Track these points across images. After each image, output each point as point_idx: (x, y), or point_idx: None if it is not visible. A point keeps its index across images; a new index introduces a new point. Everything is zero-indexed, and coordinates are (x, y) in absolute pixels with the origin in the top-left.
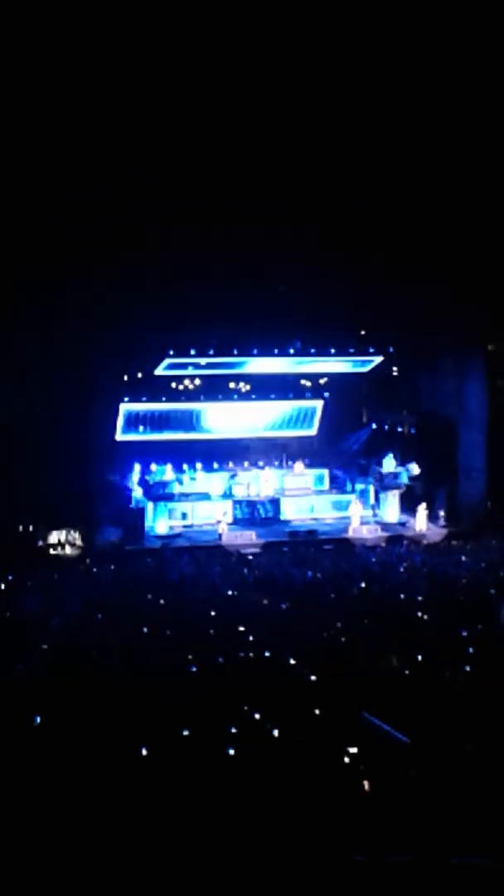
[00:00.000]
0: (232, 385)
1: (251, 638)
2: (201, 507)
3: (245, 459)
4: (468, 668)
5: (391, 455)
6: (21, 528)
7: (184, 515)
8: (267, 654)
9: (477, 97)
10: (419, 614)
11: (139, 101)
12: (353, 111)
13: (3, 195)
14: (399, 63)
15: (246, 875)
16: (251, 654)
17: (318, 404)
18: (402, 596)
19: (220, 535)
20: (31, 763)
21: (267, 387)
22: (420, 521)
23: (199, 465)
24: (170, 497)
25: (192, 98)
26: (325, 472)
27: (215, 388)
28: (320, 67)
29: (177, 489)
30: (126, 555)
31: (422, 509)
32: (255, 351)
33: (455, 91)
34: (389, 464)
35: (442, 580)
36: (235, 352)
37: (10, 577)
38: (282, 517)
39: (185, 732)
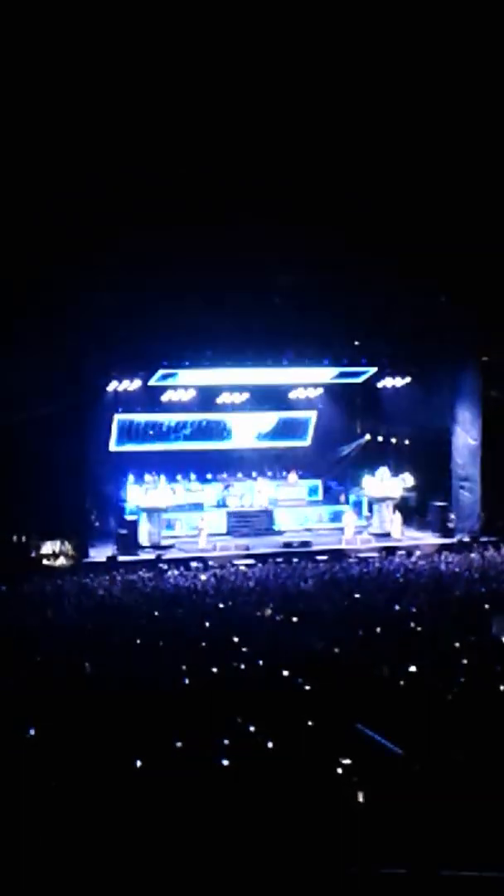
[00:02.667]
0: (226, 396)
1: (245, 649)
2: (195, 517)
3: (239, 470)
4: (462, 680)
5: (384, 466)
6: (14, 538)
7: (177, 526)
8: (260, 664)
9: (473, 106)
10: (412, 625)
11: (139, 104)
12: (350, 120)
13: None
14: (396, 68)
15: (240, 887)
16: (245, 666)
17: (312, 415)
18: (396, 607)
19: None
20: (25, 775)
21: (260, 398)
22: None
23: (192, 476)
24: (163, 508)
25: (190, 104)
26: (319, 482)
27: (210, 399)
28: (317, 73)
29: (171, 500)
30: (119, 566)
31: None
32: (249, 362)
33: (452, 100)
34: (383, 474)
35: (435, 591)
36: (229, 362)
37: (2, 588)
38: (275, 528)
39: (179, 744)
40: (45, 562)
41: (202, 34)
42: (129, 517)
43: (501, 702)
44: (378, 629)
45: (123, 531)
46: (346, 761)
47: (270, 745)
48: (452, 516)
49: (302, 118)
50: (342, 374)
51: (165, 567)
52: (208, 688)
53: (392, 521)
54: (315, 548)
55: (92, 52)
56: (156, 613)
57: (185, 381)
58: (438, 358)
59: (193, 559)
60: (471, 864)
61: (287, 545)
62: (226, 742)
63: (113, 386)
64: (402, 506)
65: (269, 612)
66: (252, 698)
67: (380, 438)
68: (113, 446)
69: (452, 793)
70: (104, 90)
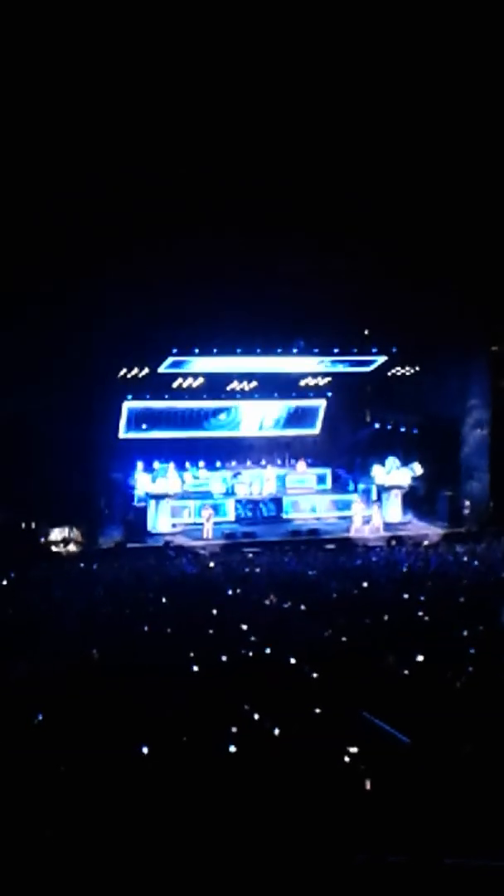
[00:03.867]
0: (235, 384)
1: (252, 637)
2: (203, 505)
3: (248, 458)
4: (470, 669)
5: (393, 455)
6: (23, 524)
7: (186, 514)
8: (267, 652)
9: (485, 94)
10: (420, 614)
11: (145, 100)
12: (359, 107)
13: (6, 193)
14: (406, 59)
15: (246, 875)
16: (252, 653)
17: (321, 404)
18: (404, 596)
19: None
20: (34, 760)
21: (270, 386)
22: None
23: (201, 464)
24: (172, 495)
25: (197, 95)
26: (328, 471)
27: (218, 387)
28: (324, 64)
29: (179, 487)
30: (128, 553)
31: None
32: (259, 350)
33: (461, 88)
34: (392, 464)
35: (443, 581)
36: (239, 350)
37: (11, 574)
38: (284, 516)
39: (186, 731)
40: (53, 548)
41: (203, 34)
42: (137, 504)
43: None
44: (386, 617)
45: (132, 518)
46: (353, 750)
47: (277, 732)
48: (468, 503)
49: (314, 105)
50: (352, 363)
51: (173, 554)
52: (215, 675)
53: (401, 510)
54: (323, 536)
55: (92, 54)
56: (163, 600)
57: (195, 369)
58: (448, 347)
59: (201, 547)
60: (477, 854)
61: (295, 533)
62: (232, 729)
63: (122, 373)
64: (411, 495)
65: (276, 599)
66: (259, 686)
67: (389, 427)
68: (122, 433)
69: (459, 782)
70: (107, 91)
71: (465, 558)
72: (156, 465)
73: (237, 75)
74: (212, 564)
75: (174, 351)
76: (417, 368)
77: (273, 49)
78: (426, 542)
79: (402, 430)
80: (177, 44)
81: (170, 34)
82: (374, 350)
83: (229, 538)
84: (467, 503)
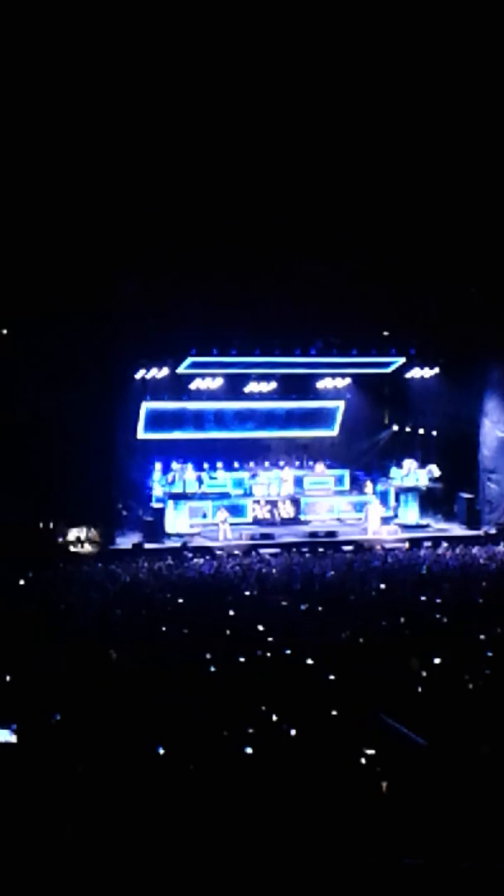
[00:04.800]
0: (254, 385)
1: (269, 638)
2: (220, 506)
3: (266, 459)
4: (487, 672)
5: (411, 456)
6: (41, 524)
7: (203, 515)
8: (286, 653)
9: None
10: (438, 616)
11: (159, 96)
12: (377, 106)
13: (28, 196)
14: (417, 59)
15: (261, 875)
16: (269, 654)
17: (340, 405)
18: (421, 598)
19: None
20: (51, 760)
21: (288, 387)
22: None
23: (219, 465)
24: (190, 496)
25: (219, 88)
26: (346, 472)
27: (237, 388)
28: (342, 58)
29: (197, 488)
30: (145, 553)
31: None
32: (278, 351)
33: (476, 86)
34: (409, 465)
35: (461, 583)
36: (258, 351)
37: (29, 574)
38: (301, 518)
39: (202, 731)
40: (71, 548)
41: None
42: (155, 505)
43: None
44: (403, 620)
45: (150, 519)
46: (370, 752)
47: (293, 733)
48: (479, 508)
49: (335, 104)
50: (370, 364)
51: (190, 555)
52: (232, 676)
53: (418, 512)
54: (341, 538)
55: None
56: (180, 601)
57: (213, 370)
58: (467, 349)
59: (218, 548)
60: (493, 857)
61: (313, 535)
62: (249, 730)
63: (141, 374)
64: (429, 497)
65: (293, 601)
66: (276, 687)
67: (407, 429)
68: (141, 434)
69: (476, 784)
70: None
71: (483, 560)
72: (174, 465)
73: (259, 70)
74: (229, 565)
75: (192, 351)
76: (436, 370)
77: (285, 48)
78: (443, 544)
79: (421, 431)
80: (179, 44)
81: (168, 34)
82: (392, 351)
83: (247, 539)
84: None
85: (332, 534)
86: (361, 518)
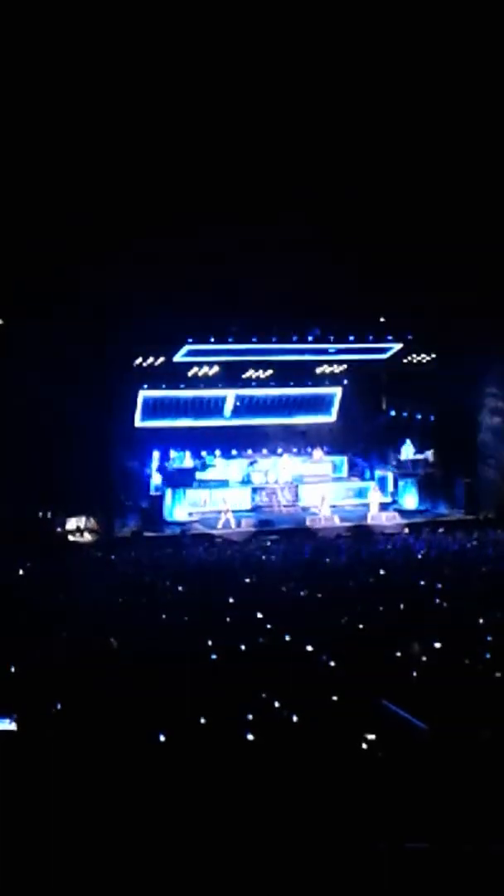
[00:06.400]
0: (251, 372)
1: (269, 625)
2: (220, 494)
3: (264, 446)
4: (487, 656)
5: (409, 442)
6: (40, 514)
7: (202, 502)
8: (286, 639)
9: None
10: (437, 601)
11: (153, 86)
12: (374, 93)
13: (21, 183)
14: (416, 45)
15: (264, 861)
16: (269, 641)
17: (337, 391)
18: (421, 583)
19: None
20: (52, 749)
21: (286, 374)
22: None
23: (217, 452)
24: (188, 484)
25: (207, 77)
26: (345, 459)
27: (234, 375)
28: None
29: (196, 476)
30: (144, 541)
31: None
32: (274, 338)
33: (478, 71)
34: (408, 451)
35: (460, 568)
36: (254, 339)
37: (28, 564)
38: (300, 504)
39: (203, 719)
40: (70, 537)
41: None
42: (153, 493)
43: None
44: (403, 605)
45: (148, 507)
46: (371, 736)
47: (295, 719)
48: (477, 493)
49: (329, 90)
50: (367, 351)
51: (189, 542)
52: (233, 663)
53: (417, 498)
54: (340, 524)
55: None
56: (180, 589)
57: (210, 358)
58: (464, 334)
59: (218, 535)
60: (495, 840)
61: (311, 521)
62: (250, 717)
63: (138, 362)
64: (427, 482)
65: (293, 587)
66: (277, 673)
67: (405, 415)
68: (138, 422)
69: (477, 768)
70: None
71: (482, 545)
72: (172, 453)
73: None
74: (228, 552)
75: (190, 339)
76: (433, 356)
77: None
78: (441, 530)
79: (419, 417)
80: (175, 29)
81: (166, 21)
82: (389, 337)
83: (246, 527)
84: None
85: (331, 520)
86: (360, 504)
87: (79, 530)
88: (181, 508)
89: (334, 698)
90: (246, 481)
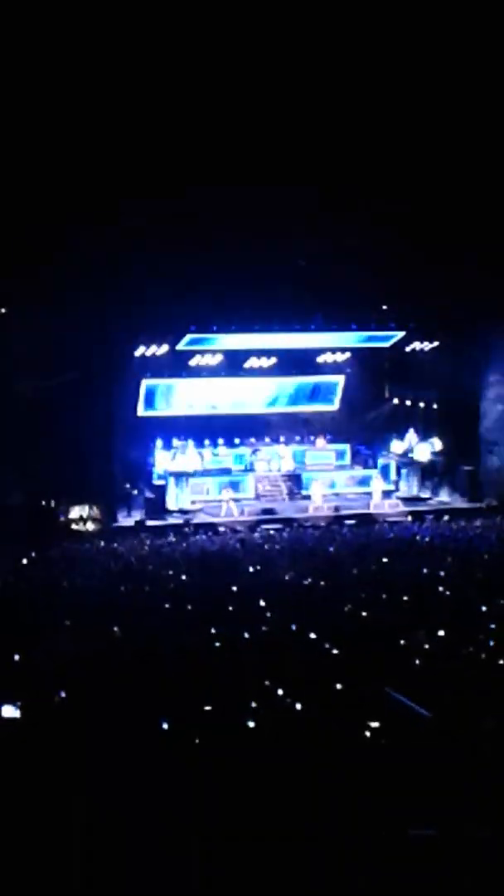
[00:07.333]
0: (254, 360)
1: (273, 613)
2: (222, 482)
3: (266, 435)
4: (491, 643)
5: (412, 430)
6: (43, 502)
7: (205, 491)
8: (292, 628)
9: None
10: (441, 589)
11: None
12: (376, 78)
13: (24, 172)
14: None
15: (266, 848)
16: (272, 629)
17: (340, 379)
18: (424, 570)
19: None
20: (55, 736)
21: (289, 362)
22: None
23: (220, 441)
24: (192, 472)
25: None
26: (347, 447)
27: (236, 364)
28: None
29: (199, 465)
30: (147, 530)
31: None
32: (277, 327)
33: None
34: (411, 439)
35: (463, 555)
36: (257, 327)
37: (32, 553)
38: (303, 493)
39: (207, 707)
40: (73, 526)
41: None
42: (157, 482)
43: None
44: (405, 593)
45: (151, 496)
46: (374, 724)
47: (298, 707)
48: (481, 480)
49: (335, 74)
50: (370, 339)
51: (192, 531)
52: (236, 651)
53: (420, 486)
54: (342, 512)
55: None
56: (183, 577)
57: (213, 346)
58: (467, 322)
59: (221, 524)
60: (496, 828)
61: (315, 509)
62: (253, 705)
63: (140, 351)
64: (430, 470)
65: (296, 576)
66: (280, 661)
67: (408, 402)
68: (141, 411)
69: (480, 756)
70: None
71: (484, 533)
72: (175, 442)
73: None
74: (231, 541)
75: (192, 328)
76: (436, 343)
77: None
78: (445, 518)
79: (421, 405)
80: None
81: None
82: (391, 325)
83: (249, 515)
84: None
85: (334, 508)
86: (363, 492)
87: (81, 519)
88: (184, 497)
89: (337, 686)
90: (249, 470)
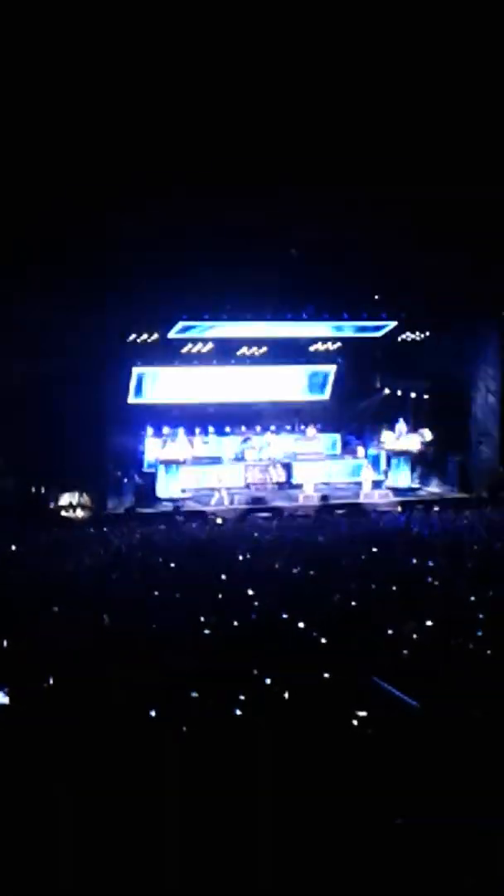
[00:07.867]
0: (245, 349)
1: (262, 602)
2: (213, 471)
3: (257, 424)
4: (479, 634)
5: (402, 420)
6: (33, 489)
7: (196, 479)
8: (280, 617)
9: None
10: (430, 579)
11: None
12: (370, 67)
13: (16, 159)
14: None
15: (255, 838)
16: (261, 618)
17: (331, 369)
18: (413, 560)
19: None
20: (44, 724)
21: (280, 351)
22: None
23: (211, 429)
24: (182, 461)
25: (199, 55)
26: (338, 436)
27: (228, 352)
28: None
29: (189, 453)
30: (137, 518)
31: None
32: (269, 316)
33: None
34: (401, 429)
35: (452, 546)
36: (249, 316)
37: (22, 540)
38: (293, 482)
39: (194, 694)
40: (63, 513)
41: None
42: (147, 470)
43: None
44: (395, 583)
45: (141, 483)
46: (362, 714)
47: (286, 696)
48: (471, 471)
49: (327, 64)
50: (361, 329)
51: (183, 519)
52: (224, 640)
53: (410, 476)
54: (332, 501)
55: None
56: (172, 565)
57: (205, 335)
58: (458, 313)
59: (210, 512)
60: (484, 818)
61: (305, 499)
62: (240, 695)
63: (131, 338)
64: (420, 460)
65: (285, 565)
66: (268, 650)
67: (399, 393)
68: (131, 398)
69: (468, 746)
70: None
71: (474, 523)
72: (165, 430)
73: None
74: (221, 530)
75: (184, 316)
76: (427, 334)
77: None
78: (435, 508)
79: (412, 395)
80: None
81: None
82: (383, 316)
83: (239, 504)
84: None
85: (323, 498)
86: (353, 482)
87: (71, 506)
88: (174, 485)
89: (325, 675)
90: (239, 459)
